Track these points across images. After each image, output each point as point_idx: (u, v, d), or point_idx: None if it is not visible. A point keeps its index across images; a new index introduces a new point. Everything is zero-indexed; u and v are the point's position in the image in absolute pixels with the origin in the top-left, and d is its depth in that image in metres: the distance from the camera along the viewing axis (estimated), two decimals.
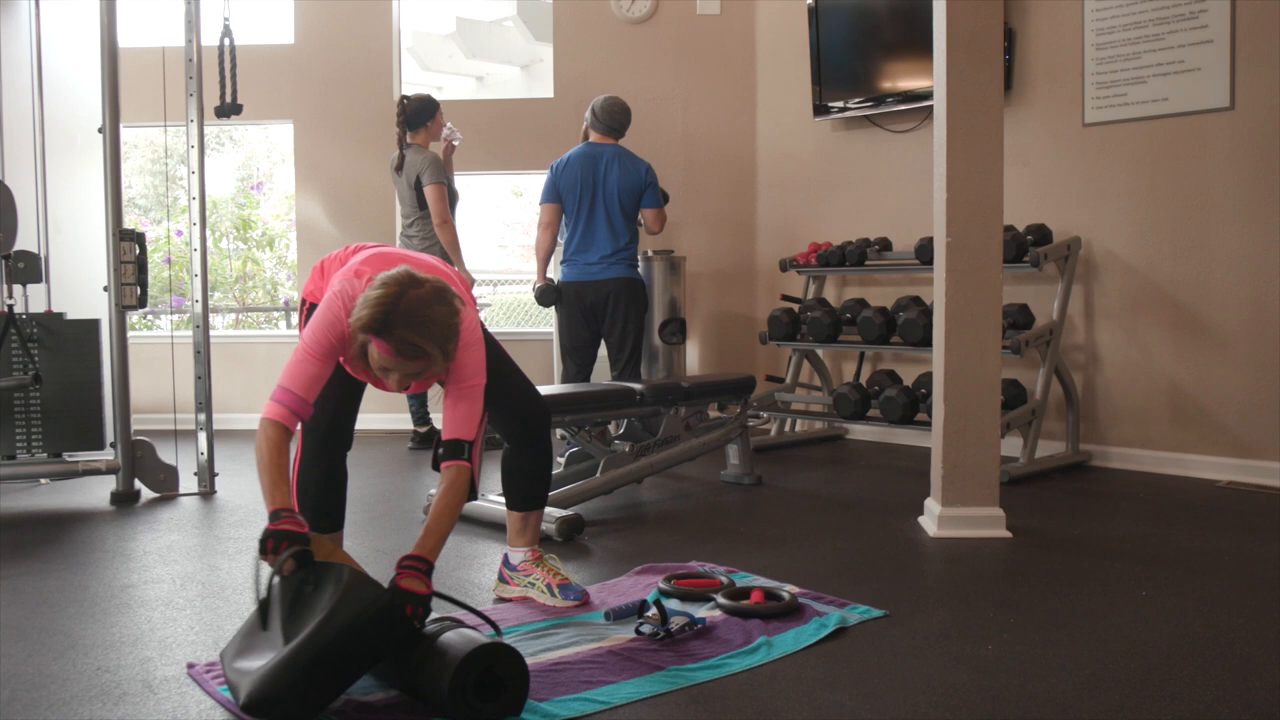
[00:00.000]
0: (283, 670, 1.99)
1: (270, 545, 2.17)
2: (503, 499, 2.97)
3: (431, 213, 5.26)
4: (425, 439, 5.65)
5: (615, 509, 4.08)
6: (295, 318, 7.17)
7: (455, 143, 5.64)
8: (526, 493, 2.92)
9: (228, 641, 2.27)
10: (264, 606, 2.19)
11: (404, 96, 5.49)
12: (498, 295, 9.41)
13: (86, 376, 4.39)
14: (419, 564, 2.27)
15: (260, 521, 3.89)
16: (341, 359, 2.42)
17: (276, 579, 2.18)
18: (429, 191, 5.24)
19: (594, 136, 4.92)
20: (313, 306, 2.63)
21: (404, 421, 5.91)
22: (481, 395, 2.47)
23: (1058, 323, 4.74)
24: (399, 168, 5.41)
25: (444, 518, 2.40)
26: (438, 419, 5.46)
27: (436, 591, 2.27)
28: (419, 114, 5.39)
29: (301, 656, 2.00)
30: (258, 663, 2.06)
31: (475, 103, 6.77)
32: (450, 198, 5.40)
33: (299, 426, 2.44)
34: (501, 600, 2.86)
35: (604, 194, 4.79)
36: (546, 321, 6.72)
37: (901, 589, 2.93)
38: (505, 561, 2.93)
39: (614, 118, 4.89)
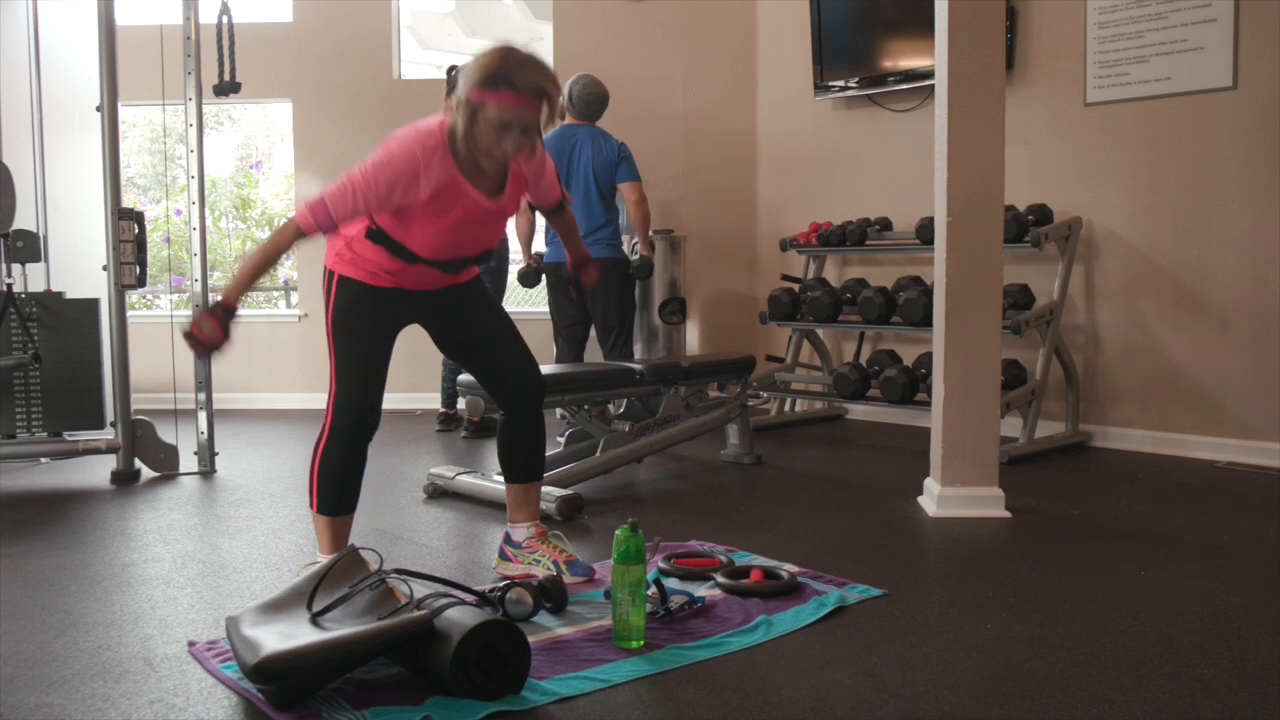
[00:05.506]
0: (318, 651, 1.98)
1: (190, 343, 2.39)
2: (501, 477, 2.97)
3: None
4: (451, 420, 5.59)
5: (615, 488, 4.09)
6: (295, 297, 7.16)
7: None
8: (527, 464, 2.92)
9: (240, 611, 2.27)
10: (306, 594, 2.23)
11: (452, 66, 5.40)
12: None
13: (86, 355, 4.38)
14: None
15: (259, 500, 3.92)
16: (395, 204, 2.49)
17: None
18: None
19: (568, 118, 4.87)
20: (343, 279, 2.63)
21: (418, 401, 5.87)
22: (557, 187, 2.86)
23: (1058, 303, 4.74)
24: None
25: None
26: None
27: (437, 577, 2.30)
28: None
29: (345, 647, 2.00)
30: (282, 637, 2.05)
31: None
32: None
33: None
34: (504, 578, 2.86)
35: (579, 172, 4.74)
36: (543, 301, 6.70)
37: (901, 568, 2.94)
38: (507, 539, 2.93)
39: (589, 105, 4.81)
